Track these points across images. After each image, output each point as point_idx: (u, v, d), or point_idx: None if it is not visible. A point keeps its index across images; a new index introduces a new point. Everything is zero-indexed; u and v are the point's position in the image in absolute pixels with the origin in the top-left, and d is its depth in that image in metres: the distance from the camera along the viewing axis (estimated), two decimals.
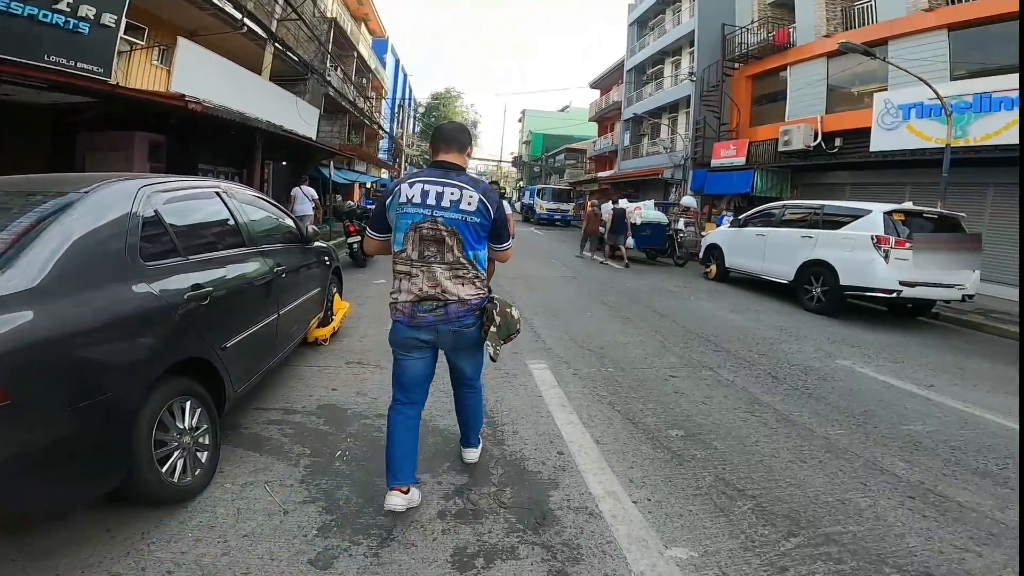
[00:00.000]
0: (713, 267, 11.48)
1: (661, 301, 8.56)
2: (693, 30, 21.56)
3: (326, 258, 4.88)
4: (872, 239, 7.98)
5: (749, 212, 10.90)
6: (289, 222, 4.26)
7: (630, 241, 13.36)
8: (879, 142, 12.56)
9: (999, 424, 4.04)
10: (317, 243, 4.73)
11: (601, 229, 13.68)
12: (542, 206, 29.05)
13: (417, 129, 50.00)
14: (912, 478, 3.02)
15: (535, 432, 3.35)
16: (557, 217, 27.60)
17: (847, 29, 15.03)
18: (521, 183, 58.84)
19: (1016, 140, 9.92)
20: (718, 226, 14.42)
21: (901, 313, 9.02)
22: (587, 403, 3.92)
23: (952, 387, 5.00)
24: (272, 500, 2.45)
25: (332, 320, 5.06)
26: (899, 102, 12.13)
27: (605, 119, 36.14)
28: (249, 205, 3.63)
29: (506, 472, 2.83)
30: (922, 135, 11.58)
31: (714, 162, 18.81)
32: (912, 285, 7.90)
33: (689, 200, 16.64)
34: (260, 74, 13.02)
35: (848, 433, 3.65)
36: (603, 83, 36.70)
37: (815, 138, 15.23)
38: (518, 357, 4.94)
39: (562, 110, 59.50)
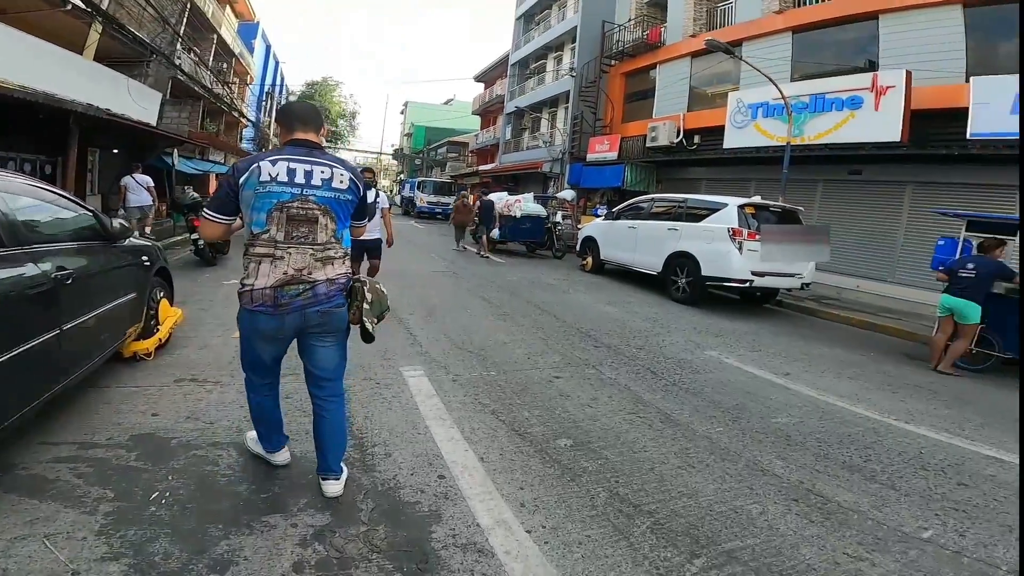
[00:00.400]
0: (589, 259, 11.75)
1: (541, 295, 8.50)
2: (576, 26, 22.10)
3: (144, 258, 4.03)
4: (728, 231, 8.54)
5: (621, 205, 11.29)
6: (87, 217, 3.40)
7: (494, 232, 13.50)
8: (731, 140, 13.68)
9: (851, 412, 4.37)
10: (131, 240, 3.88)
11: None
12: (423, 199, 28.33)
13: None
14: (791, 477, 3.07)
15: (411, 453, 2.96)
16: (438, 210, 27.03)
17: (711, 29, 16.19)
18: (402, 175, 57.27)
19: (846, 139, 11.26)
20: (595, 218, 14.88)
21: (751, 301, 9.81)
22: (469, 414, 3.60)
23: (804, 374, 5.41)
24: (55, 558, 1.88)
25: (157, 330, 4.21)
26: (749, 101, 13.26)
27: (488, 112, 36.11)
28: (19, 196, 2.78)
29: (378, 506, 2.41)
30: (767, 133, 12.78)
31: (589, 156, 19.45)
32: (762, 275, 8.60)
33: (568, 193, 17.01)
34: (82, 53, 11.15)
35: (726, 430, 3.71)
36: (487, 77, 36.62)
37: (678, 135, 16.28)
38: (390, 364, 4.49)
39: (446, 103, 59.02)
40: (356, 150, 54.19)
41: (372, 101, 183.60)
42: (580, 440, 3.34)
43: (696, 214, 9.33)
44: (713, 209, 9.01)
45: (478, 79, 37.95)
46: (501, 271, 10.93)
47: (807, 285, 9.30)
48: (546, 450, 3.16)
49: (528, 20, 28.76)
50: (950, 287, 6.30)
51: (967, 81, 10.19)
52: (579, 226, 14.97)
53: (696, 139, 16.16)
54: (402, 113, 67.93)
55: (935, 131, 10.45)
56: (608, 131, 19.81)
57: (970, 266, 6.22)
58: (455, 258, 12.38)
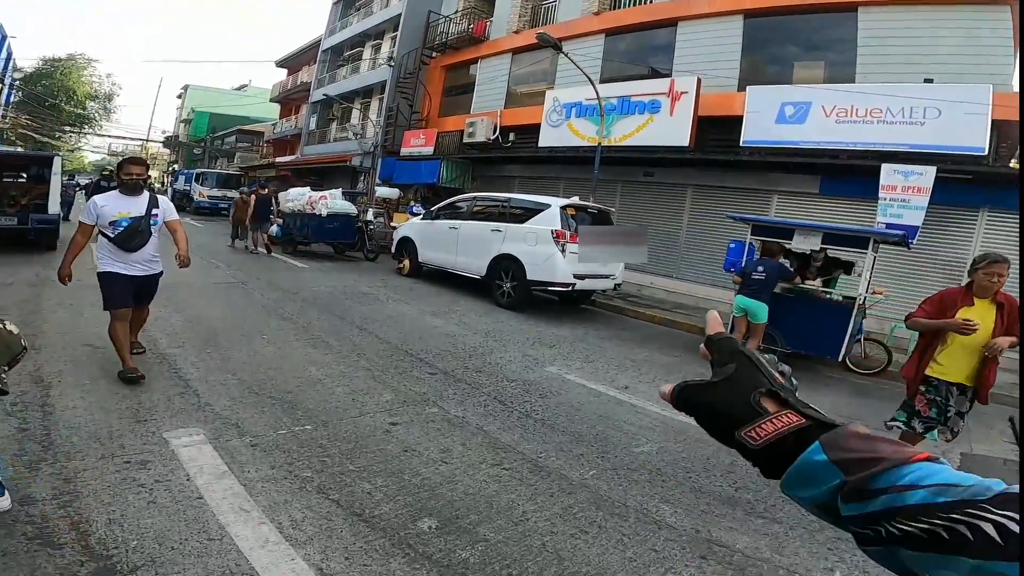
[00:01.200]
0: (406, 262, 10.68)
1: (357, 309, 7.25)
2: (400, 14, 20.51)
3: None
4: (552, 233, 8.23)
5: (441, 204, 10.42)
6: None
7: (273, 229, 12.62)
8: (546, 138, 13.75)
9: (696, 429, 4.04)
10: None
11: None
12: (202, 193, 24.22)
13: (13, 98, 36.74)
14: (685, 526, 2.73)
15: None
16: (223, 206, 23.21)
17: (534, 26, 16.17)
18: (176, 166, 49.13)
19: (646, 142, 11.90)
20: (410, 216, 13.79)
21: (568, 302, 9.65)
22: (285, 496, 2.51)
23: (640, 385, 5.18)
24: None
25: None
26: (565, 101, 13.42)
27: (290, 101, 32.34)
28: None
29: None
30: (579, 133, 13.06)
31: (404, 151, 18.25)
32: (582, 278, 8.52)
33: (390, 191, 15.51)
34: None
35: (600, 472, 3.24)
36: (292, 62, 32.65)
37: (495, 132, 15.99)
38: (148, 427, 3.10)
39: (239, 88, 52.23)
40: (113, 136, 44.93)
41: (146, 83, 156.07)
42: (446, 517, 2.51)
43: (519, 215, 8.91)
44: (536, 210, 8.66)
45: (281, 64, 33.82)
46: (305, 278, 9.28)
47: (618, 285, 9.51)
48: (407, 542, 2.27)
49: (347, 5, 26.27)
50: (743, 288, 6.69)
51: (741, 90, 11.50)
52: (393, 225, 13.73)
53: (512, 136, 16.07)
54: (180, 97, 58.54)
55: (715, 137, 11.57)
56: (424, 125, 18.84)
57: (760, 269, 6.65)
58: (242, 263, 10.27)
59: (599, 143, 11.47)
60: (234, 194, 23.45)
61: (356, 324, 6.34)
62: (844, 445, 0.46)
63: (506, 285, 8.72)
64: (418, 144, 17.79)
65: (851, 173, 10.11)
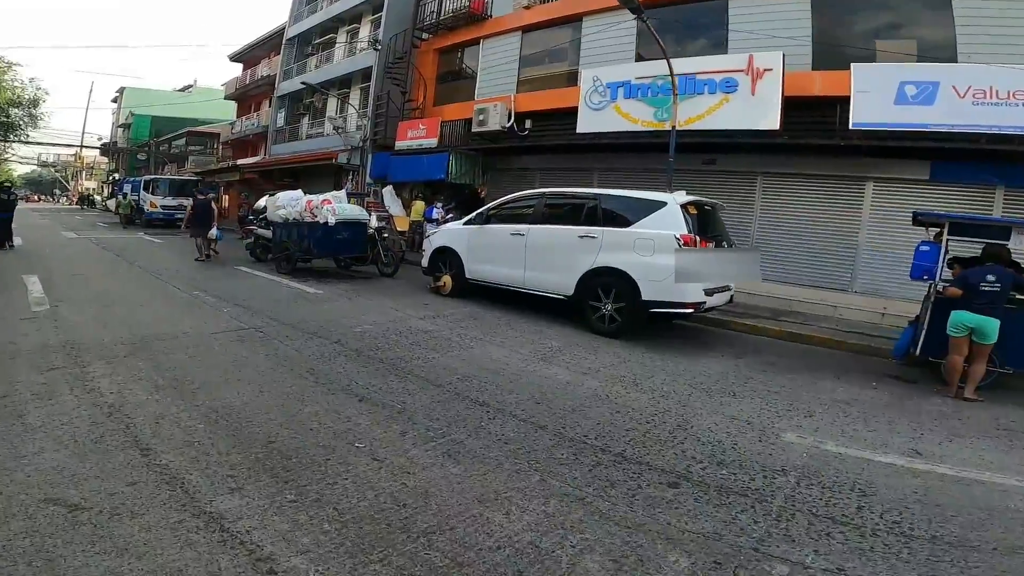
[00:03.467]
0: (447, 279, 8.35)
1: (440, 360, 4.99)
2: None
3: None
4: (676, 240, 6.16)
5: (492, 205, 8.11)
6: None
7: (214, 232, 11.93)
8: (586, 123, 11.63)
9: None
10: None
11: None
12: (154, 203, 21.00)
13: None
14: None
15: None
16: (180, 216, 20.11)
17: (544, 1, 13.97)
18: (116, 175, 44.71)
19: (720, 126, 9.93)
20: (427, 220, 11.43)
21: (655, 319, 7.33)
22: None
23: (925, 444, 3.50)
24: None
25: None
26: (608, 80, 11.33)
27: (249, 98, 29.00)
28: None
29: None
30: (629, 116, 11.02)
31: (399, 144, 15.77)
32: (711, 293, 6.56)
33: (390, 199, 12.92)
34: None
35: None
36: (249, 56, 29.26)
37: (509, 118, 13.75)
38: None
39: (183, 90, 48.04)
40: (44, 143, 40.40)
41: (78, 88, 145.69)
42: None
43: (617, 216, 6.78)
44: (645, 209, 6.56)
45: (236, 59, 30.35)
46: (330, 311, 6.86)
47: (732, 296, 7.55)
48: None
49: None
50: (970, 303, 5.21)
51: (818, 68, 9.76)
52: (401, 230, 11.35)
53: (527, 123, 13.87)
54: (115, 101, 53.68)
55: (800, 119, 9.69)
56: (420, 114, 16.37)
57: (991, 278, 5.19)
58: (234, 291, 7.71)
59: (672, 126, 9.45)
60: (186, 202, 20.54)
61: (469, 396, 4.04)
62: None
63: (607, 307, 6.60)
64: (418, 135, 15.34)
65: (967, 157, 8.56)
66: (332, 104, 20.89)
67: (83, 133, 44.96)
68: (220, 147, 31.92)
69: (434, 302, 7.89)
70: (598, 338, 6.41)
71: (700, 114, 10.11)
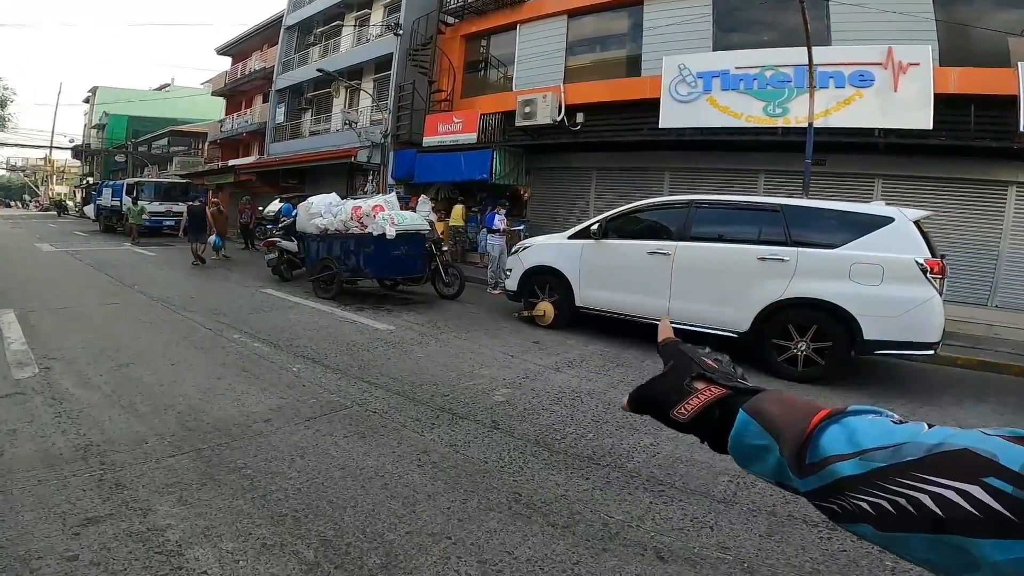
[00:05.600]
0: (546, 307, 6.59)
1: (660, 451, 3.14)
2: None
3: None
4: (919, 266, 4.52)
5: (616, 213, 6.35)
6: None
7: (213, 238, 12.04)
8: (671, 117, 9.98)
9: None
10: None
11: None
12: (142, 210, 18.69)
13: None
14: None
15: None
16: (169, 223, 17.99)
17: None
18: (90, 179, 42.00)
19: (852, 123, 8.38)
20: (489, 229, 9.64)
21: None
22: None
23: None
24: None
25: None
26: (699, 69, 9.68)
27: (239, 93, 26.69)
28: None
29: None
30: (728, 111, 9.40)
31: (427, 140, 13.92)
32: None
33: (424, 206, 11.01)
34: None
35: None
36: (238, 49, 26.94)
37: (560, 111, 12.03)
38: None
39: (160, 89, 45.35)
40: (7, 144, 37.59)
41: (39, 87, 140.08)
42: None
43: (815, 233, 5.12)
44: (861, 226, 4.92)
45: (224, 52, 27.98)
46: (427, 363, 5.05)
47: None
48: None
49: None
50: None
51: (946, 65, 8.37)
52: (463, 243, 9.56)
53: (579, 117, 12.18)
54: (87, 101, 50.73)
55: (949, 118, 8.19)
56: (448, 107, 14.54)
57: None
58: (285, 330, 5.83)
59: (809, 123, 7.87)
60: (182, 208, 18.40)
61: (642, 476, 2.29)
62: (763, 407, 0.49)
63: (800, 348, 4.93)
64: (451, 130, 13.50)
65: None
66: (340, 97, 18.90)
67: (53, 133, 41.89)
68: (207, 147, 29.50)
69: (543, 338, 6.11)
70: (789, 384, 4.77)
71: (827, 109, 8.53)
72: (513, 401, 4.06)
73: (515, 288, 7.05)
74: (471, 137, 13.03)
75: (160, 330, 5.60)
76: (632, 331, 6.10)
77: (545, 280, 6.75)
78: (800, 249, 5.01)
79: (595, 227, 6.22)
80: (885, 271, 4.64)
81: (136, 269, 10.61)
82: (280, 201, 13.47)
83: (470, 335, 6.16)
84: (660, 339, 0.65)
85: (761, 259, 5.15)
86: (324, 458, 2.91)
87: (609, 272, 6.16)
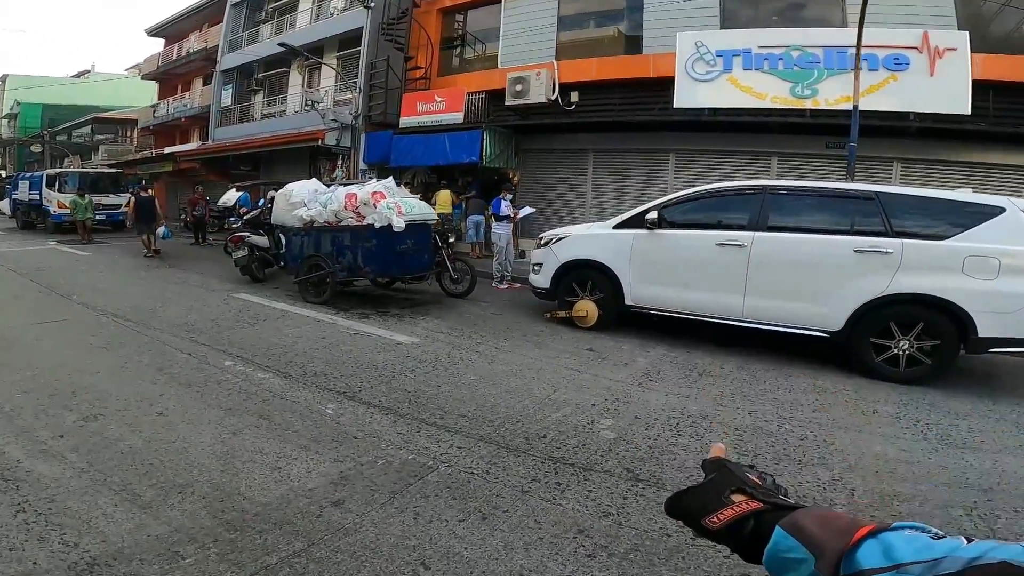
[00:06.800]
0: (588, 306, 5.78)
1: None
2: None
3: None
4: None
5: (670, 200, 5.55)
6: None
7: (161, 230, 11.56)
8: (687, 96, 9.27)
9: None
10: None
11: None
12: (62, 203, 16.54)
13: None
14: None
15: None
16: (101, 217, 16.00)
17: None
18: (2, 172, 37.90)
19: (886, 107, 7.94)
20: (495, 216, 8.68)
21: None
22: None
23: None
24: None
25: None
26: (718, 47, 9.01)
27: (175, 77, 24.09)
28: None
29: None
30: (750, 91, 8.78)
31: (405, 120, 12.70)
32: None
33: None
34: None
35: None
36: (172, 29, 24.21)
37: (554, 89, 11.13)
38: None
39: (78, 76, 41.35)
40: None
41: None
42: None
43: (918, 223, 4.54)
44: (970, 215, 4.42)
45: (155, 33, 25.11)
46: (487, 390, 4.15)
47: None
48: None
49: None
50: None
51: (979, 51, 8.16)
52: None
53: (573, 96, 11.35)
54: None
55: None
56: (424, 85, 13.33)
57: None
58: (318, 362, 4.74)
59: (855, 104, 7.37)
60: (118, 201, 16.33)
61: None
62: (803, 523, 0.50)
63: (902, 346, 4.34)
64: (433, 109, 12.34)
65: None
66: (296, 77, 17.19)
67: None
68: (137, 134, 26.70)
69: (593, 343, 5.28)
70: (894, 387, 4.23)
71: (861, 92, 8.01)
72: (627, 437, 3.24)
73: (547, 285, 6.17)
74: (456, 117, 11.93)
75: (123, 358, 4.37)
76: (684, 329, 5.47)
77: (586, 276, 5.90)
78: (905, 241, 4.38)
79: (650, 216, 5.39)
80: (1002, 264, 4.11)
81: (70, 273, 9.00)
82: (237, 190, 11.91)
83: (510, 344, 5.25)
84: (709, 457, 0.67)
85: (858, 251, 4.50)
86: (458, 563, 1.98)
87: (668, 266, 5.38)
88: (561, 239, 6.11)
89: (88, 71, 42.42)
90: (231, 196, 11.58)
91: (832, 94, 8.03)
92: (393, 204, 6.36)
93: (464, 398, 3.81)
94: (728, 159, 10.07)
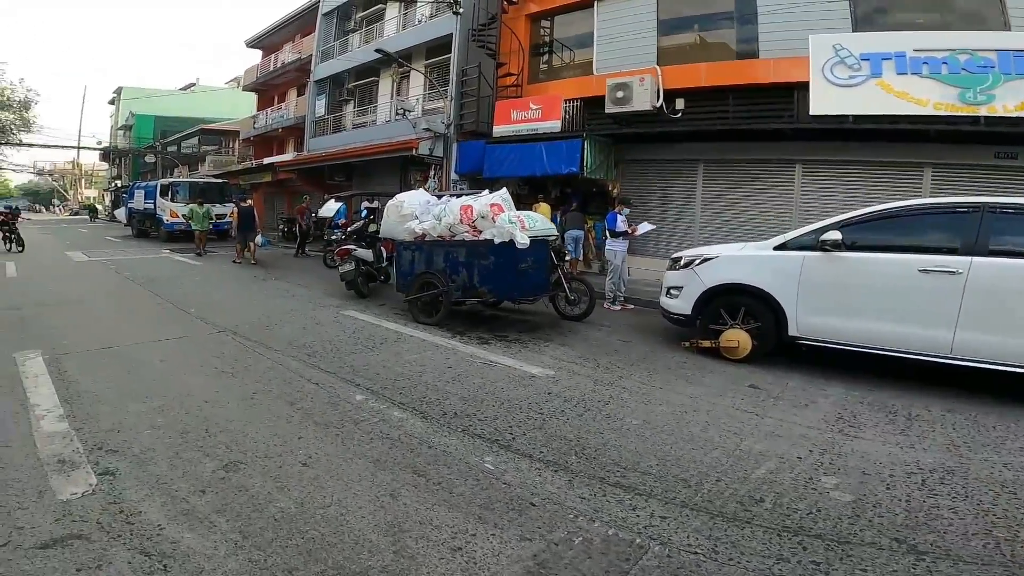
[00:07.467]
0: (740, 336, 5.01)
1: None
2: None
3: None
4: None
5: (853, 218, 4.70)
6: None
7: (259, 239, 12.36)
8: (825, 103, 8.29)
9: None
10: None
11: None
12: (175, 212, 17.49)
13: None
14: None
15: None
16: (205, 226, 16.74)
17: None
18: (119, 182, 41.38)
19: None
20: (611, 232, 8.00)
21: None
22: None
23: None
24: None
25: None
26: (863, 51, 8.01)
27: (271, 88, 25.34)
28: None
29: None
30: (906, 96, 7.68)
31: (499, 129, 12.34)
32: None
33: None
34: None
35: None
36: (268, 40, 25.60)
37: (659, 97, 10.36)
38: None
39: (185, 88, 44.63)
40: (37, 144, 37.12)
41: (69, 88, 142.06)
42: None
43: None
44: None
45: (254, 45, 26.63)
46: (635, 423, 3.54)
47: None
48: None
49: None
50: None
51: None
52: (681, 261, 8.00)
53: (679, 103, 10.51)
54: (112, 103, 50.37)
55: None
56: (516, 92, 12.94)
57: None
58: (459, 399, 4.33)
59: None
60: (223, 210, 17.12)
61: None
62: None
63: None
64: (529, 117, 11.90)
65: None
66: (385, 86, 17.38)
67: (79, 135, 41.22)
68: (238, 145, 28.27)
69: (751, 378, 4.51)
70: None
71: None
72: (868, 498, 2.65)
73: (688, 311, 5.45)
74: (554, 125, 11.41)
75: (250, 387, 4.09)
76: (843, 363, 4.71)
77: (737, 302, 5.14)
78: None
79: (829, 237, 4.57)
80: None
81: (184, 284, 9.23)
82: (336, 201, 11.98)
83: (657, 379, 4.59)
84: None
85: None
86: None
87: (852, 294, 4.52)
88: (707, 260, 5.37)
89: (193, 84, 45.88)
90: (331, 207, 11.64)
91: (1011, 100, 6.84)
92: (515, 218, 5.88)
93: (638, 449, 3.21)
94: (868, 170, 8.94)
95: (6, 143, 33.50)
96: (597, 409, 3.87)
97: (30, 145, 34.79)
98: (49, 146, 38.76)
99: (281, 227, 18.58)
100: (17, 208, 15.55)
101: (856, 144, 8.86)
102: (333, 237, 11.07)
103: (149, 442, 3.08)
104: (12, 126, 34.48)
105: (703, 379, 4.63)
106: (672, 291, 5.65)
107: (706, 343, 5.28)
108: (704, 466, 3.01)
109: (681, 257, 5.70)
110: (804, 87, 8.70)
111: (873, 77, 7.93)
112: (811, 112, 8.36)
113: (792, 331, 4.83)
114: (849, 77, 8.08)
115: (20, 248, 13.86)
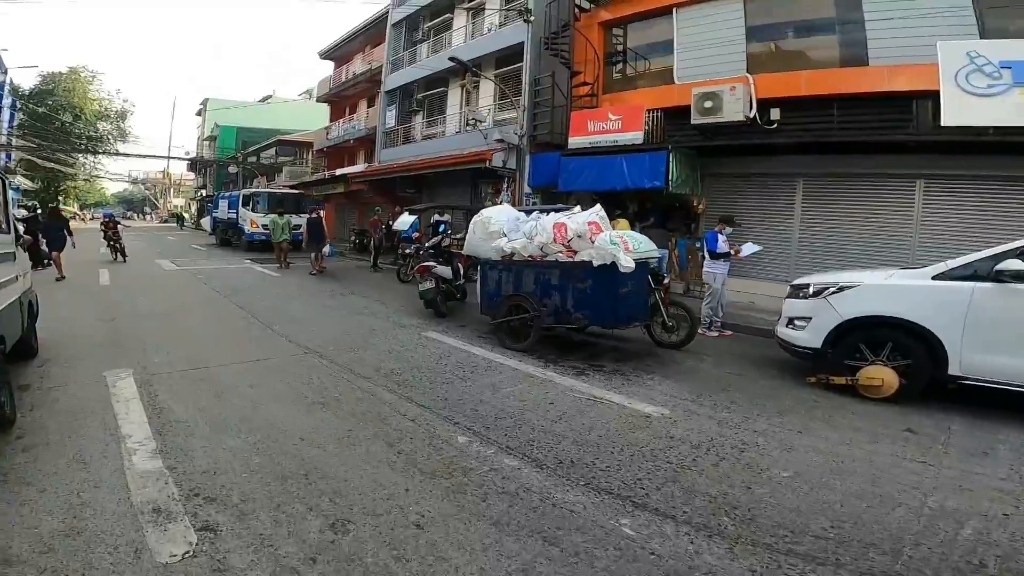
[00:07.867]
0: (885, 374, 4.32)
1: None
2: None
3: None
4: None
5: None
6: None
7: (327, 249, 12.70)
8: (962, 113, 7.38)
9: None
10: None
11: None
12: (255, 221, 18.09)
13: (14, 121, 32.14)
14: None
15: None
16: (286, 237, 17.15)
17: None
18: (204, 191, 43.74)
19: None
20: (712, 253, 7.36)
21: None
22: None
23: None
24: None
25: None
26: (1003, 58, 7.11)
27: (343, 99, 26.08)
28: None
29: None
30: None
31: (574, 140, 11.93)
32: None
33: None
34: None
35: None
36: (340, 52, 26.50)
37: (751, 107, 9.62)
38: None
39: (263, 100, 46.85)
40: (132, 154, 39.88)
41: (159, 99, 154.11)
42: None
43: None
44: None
45: (327, 56, 27.62)
46: (785, 476, 2.97)
47: None
48: None
49: None
50: None
51: None
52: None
53: (774, 114, 9.72)
54: (199, 115, 53.73)
55: None
56: (590, 102, 12.48)
57: None
58: (522, 417, 3.96)
59: None
60: (299, 221, 17.54)
61: None
62: None
63: None
64: (607, 128, 11.41)
65: None
66: (454, 97, 17.36)
67: (170, 146, 44.24)
68: (312, 156, 29.27)
69: (906, 421, 3.83)
70: None
71: None
72: None
73: (817, 344, 4.80)
74: (636, 136, 10.87)
75: (346, 423, 3.78)
76: (1011, 403, 4.01)
77: (882, 336, 4.46)
78: None
79: (1010, 267, 3.85)
80: None
81: (265, 296, 9.32)
82: (410, 214, 11.88)
83: (791, 421, 4.01)
84: None
85: None
86: None
87: None
88: (844, 289, 4.71)
89: (270, 96, 48.10)
90: (406, 220, 11.56)
91: None
92: (618, 239, 5.41)
93: (800, 507, 2.73)
94: (1007, 187, 7.95)
95: (104, 152, 36.01)
96: (734, 458, 3.35)
97: (126, 155, 37.45)
98: (142, 156, 42.00)
99: (353, 238, 18.88)
100: (113, 216, 16.42)
101: (991, 157, 7.86)
102: (407, 251, 10.97)
103: (248, 488, 2.82)
104: (110, 136, 37.19)
105: (845, 422, 4.01)
106: (797, 322, 5.01)
107: (839, 379, 4.62)
108: (892, 528, 2.54)
109: (808, 284, 5.05)
110: (925, 96, 7.88)
111: (1017, 86, 7.00)
112: (943, 123, 7.47)
113: (953, 370, 4.12)
114: (988, 86, 7.18)
115: (124, 259, 14.03)
